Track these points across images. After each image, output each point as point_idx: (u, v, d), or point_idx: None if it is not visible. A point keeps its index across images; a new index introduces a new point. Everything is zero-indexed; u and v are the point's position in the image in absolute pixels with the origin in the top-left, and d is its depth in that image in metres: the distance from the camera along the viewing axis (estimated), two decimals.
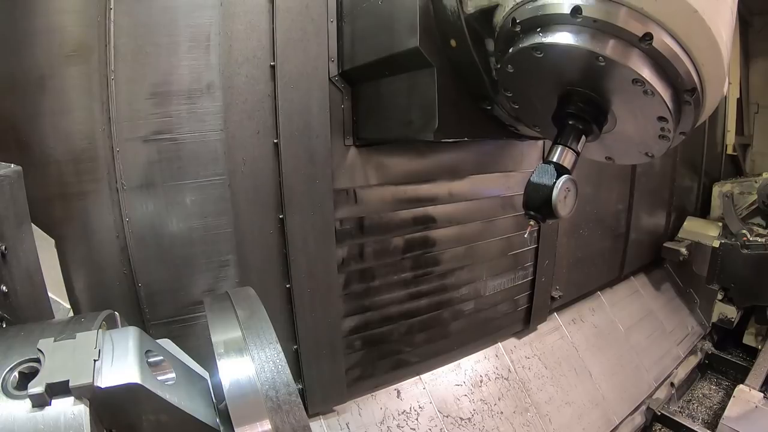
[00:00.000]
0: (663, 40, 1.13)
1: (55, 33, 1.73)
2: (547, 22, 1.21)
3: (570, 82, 1.33)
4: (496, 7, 1.40)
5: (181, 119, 1.97)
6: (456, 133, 1.77)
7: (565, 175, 1.30)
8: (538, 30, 1.23)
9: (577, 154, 1.34)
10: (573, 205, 1.35)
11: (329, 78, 2.20)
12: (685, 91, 1.22)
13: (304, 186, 2.22)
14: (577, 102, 1.32)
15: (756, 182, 4.81)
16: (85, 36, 1.77)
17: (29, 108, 1.72)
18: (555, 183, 1.28)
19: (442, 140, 1.83)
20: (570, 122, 1.35)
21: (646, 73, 1.15)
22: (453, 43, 1.58)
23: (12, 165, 1.18)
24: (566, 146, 1.33)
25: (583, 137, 1.35)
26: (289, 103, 2.12)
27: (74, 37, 1.76)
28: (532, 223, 1.40)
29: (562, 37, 1.18)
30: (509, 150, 3.05)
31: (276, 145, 2.15)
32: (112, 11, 1.79)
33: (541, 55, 1.25)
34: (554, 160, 1.33)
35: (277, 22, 2.04)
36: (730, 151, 5.45)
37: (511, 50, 1.32)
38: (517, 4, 1.29)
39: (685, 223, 5.01)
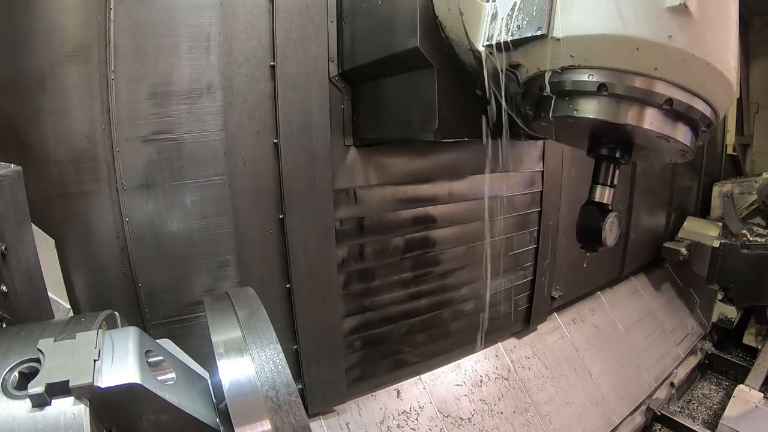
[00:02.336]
0: (681, 100, 1.21)
1: (55, 33, 1.72)
2: (575, 94, 1.28)
3: (601, 131, 1.44)
4: (518, 66, 1.43)
5: (181, 119, 1.97)
6: (456, 133, 1.77)
7: (610, 214, 1.50)
8: (567, 98, 1.31)
9: (614, 186, 1.52)
10: (618, 233, 1.57)
11: (329, 78, 2.20)
12: (703, 126, 1.32)
13: (304, 186, 2.22)
14: (608, 143, 1.46)
15: (756, 182, 4.81)
16: (85, 36, 1.77)
17: (29, 108, 1.72)
18: (602, 225, 1.49)
19: (442, 140, 1.83)
20: (604, 163, 1.50)
21: (668, 130, 1.25)
22: (479, 92, 1.64)
23: (12, 165, 1.18)
24: (604, 185, 1.51)
25: (617, 171, 1.51)
26: (289, 103, 2.12)
27: (74, 37, 1.75)
28: (588, 254, 1.63)
29: (592, 112, 1.27)
30: (509, 150, 3.05)
31: (276, 145, 2.15)
32: (112, 11, 1.79)
33: (572, 121, 1.34)
34: (596, 200, 1.52)
35: (277, 22, 2.04)
36: (730, 151, 5.45)
37: (542, 114, 1.41)
38: (540, 71, 1.34)
39: (685, 223, 5.01)
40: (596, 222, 1.50)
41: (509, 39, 1.35)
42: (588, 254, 1.65)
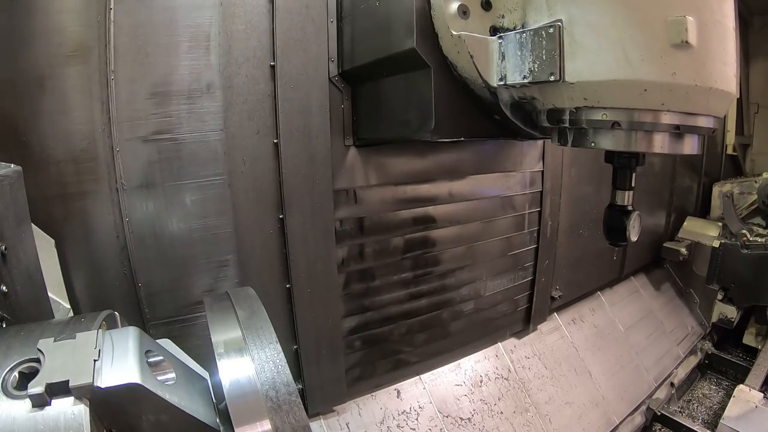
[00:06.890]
0: (688, 124, 1.31)
1: (55, 33, 1.73)
2: (591, 128, 1.39)
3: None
4: (534, 98, 1.51)
5: (181, 119, 1.97)
6: (453, 133, 1.77)
7: (632, 214, 1.66)
8: (583, 131, 1.41)
9: (632, 189, 1.67)
10: (640, 229, 1.72)
11: (329, 78, 2.20)
12: (707, 133, 1.43)
13: (304, 186, 2.22)
14: (624, 155, 1.60)
15: (756, 182, 4.81)
16: (85, 36, 1.77)
17: (29, 108, 1.72)
18: (626, 225, 1.65)
19: (439, 140, 1.83)
20: (621, 171, 1.65)
21: (678, 148, 1.36)
22: (497, 117, 1.72)
23: (12, 165, 1.18)
24: (624, 189, 1.66)
25: (634, 175, 1.65)
26: (289, 103, 2.12)
27: (74, 37, 1.76)
28: (616, 249, 1.69)
29: (608, 144, 1.39)
30: (509, 150, 3.05)
31: (276, 145, 2.15)
32: (112, 11, 1.79)
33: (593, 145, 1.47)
34: (619, 203, 1.67)
35: (277, 22, 2.04)
36: (730, 151, 5.45)
37: (561, 141, 1.53)
38: (556, 108, 1.43)
39: (685, 223, 5.01)
40: (620, 223, 1.66)
41: (524, 82, 1.42)
42: (616, 249, 1.79)
